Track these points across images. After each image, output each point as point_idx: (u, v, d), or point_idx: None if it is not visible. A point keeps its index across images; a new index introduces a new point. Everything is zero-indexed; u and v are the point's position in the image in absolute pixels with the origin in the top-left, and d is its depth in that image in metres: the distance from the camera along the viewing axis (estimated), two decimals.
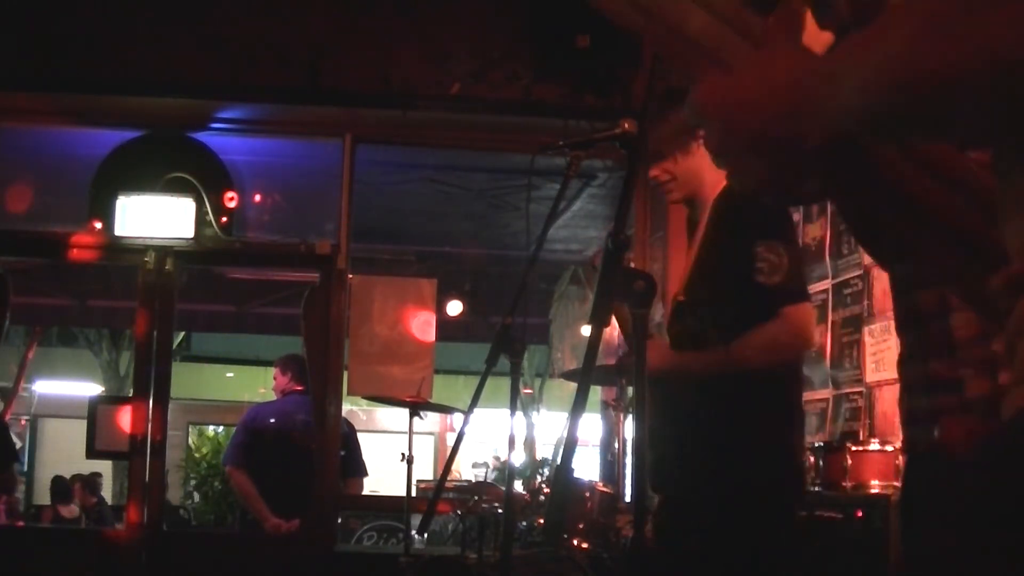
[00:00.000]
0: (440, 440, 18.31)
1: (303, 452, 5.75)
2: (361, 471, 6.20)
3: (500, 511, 4.10)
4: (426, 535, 6.11)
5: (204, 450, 14.17)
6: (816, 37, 1.31)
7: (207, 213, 5.84)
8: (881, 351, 4.36)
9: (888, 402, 4.27)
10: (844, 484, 3.68)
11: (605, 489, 3.93)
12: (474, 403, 2.81)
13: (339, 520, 6.67)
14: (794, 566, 2.82)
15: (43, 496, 11.86)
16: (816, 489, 3.77)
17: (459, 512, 4.68)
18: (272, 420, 5.92)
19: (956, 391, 1.82)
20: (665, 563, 2.86)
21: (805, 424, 2.94)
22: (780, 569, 2.73)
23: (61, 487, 11.00)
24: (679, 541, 2.80)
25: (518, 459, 5.12)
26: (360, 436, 6.39)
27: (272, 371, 6.19)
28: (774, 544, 2.71)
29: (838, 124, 1.01)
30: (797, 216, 3.76)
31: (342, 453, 5.89)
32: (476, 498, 4.44)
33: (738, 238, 2.76)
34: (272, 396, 6.19)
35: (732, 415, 2.74)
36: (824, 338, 4.89)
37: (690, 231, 3.07)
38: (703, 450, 2.76)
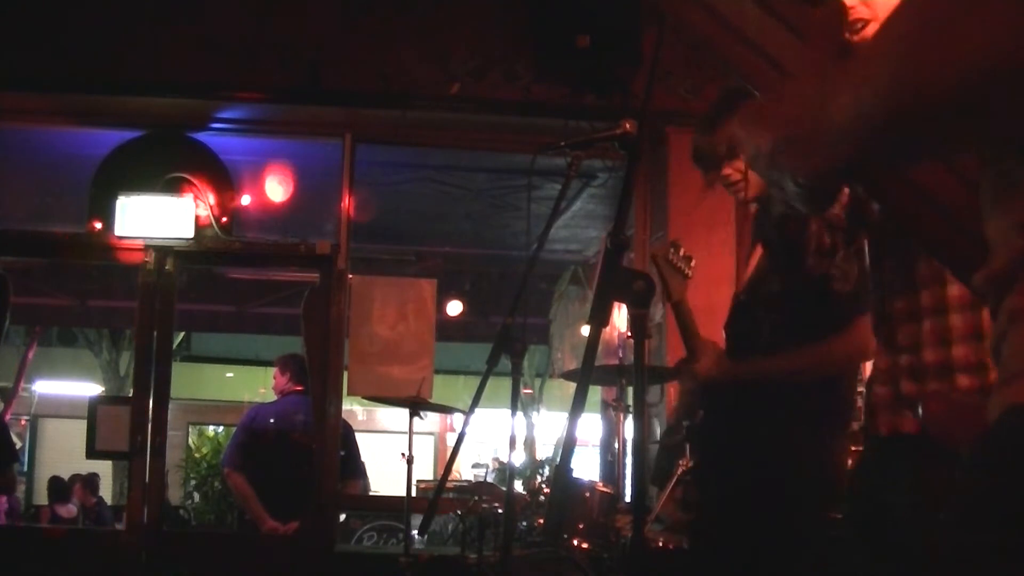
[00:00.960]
0: (440, 440, 18.30)
1: (302, 452, 5.75)
2: (359, 473, 6.20)
3: (500, 511, 4.10)
4: (426, 535, 6.11)
5: (204, 450, 14.17)
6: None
7: (207, 213, 5.84)
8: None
9: None
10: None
11: (605, 489, 3.93)
12: (475, 403, 2.81)
13: (341, 519, 6.68)
14: (821, 566, 2.81)
15: (43, 496, 11.85)
16: None
17: (459, 512, 4.68)
18: (271, 421, 5.92)
19: (947, 380, 1.85)
20: (707, 562, 2.85)
21: (851, 426, 2.91)
22: (813, 571, 2.72)
23: (59, 487, 11.00)
24: (721, 541, 2.79)
25: (518, 459, 5.12)
26: (360, 436, 6.39)
27: (272, 371, 6.19)
28: (810, 547, 2.70)
29: (832, 155, 1.06)
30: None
31: (341, 453, 5.89)
32: (476, 498, 4.44)
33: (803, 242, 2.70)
34: (272, 396, 6.19)
35: (786, 417, 2.71)
36: None
37: (757, 230, 3.03)
38: (752, 452, 2.73)
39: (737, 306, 2.94)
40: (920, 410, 1.94)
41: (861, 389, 4.36)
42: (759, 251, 2.91)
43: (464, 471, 14.77)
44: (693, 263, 2.93)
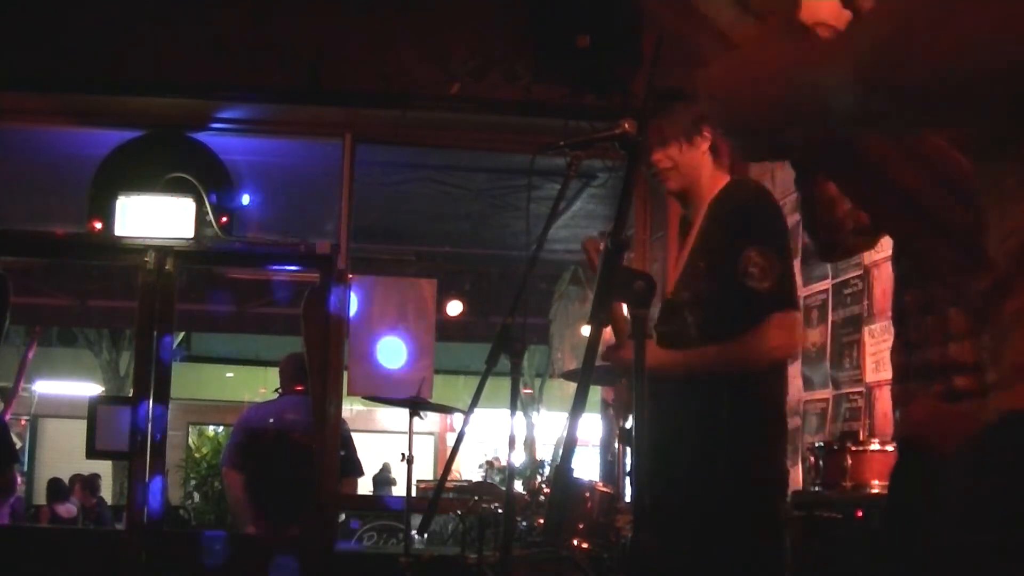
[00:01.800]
0: (440, 440, 18.32)
1: (299, 452, 5.75)
2: (356, 470, 6.20)
3: (500, 511, 4.10)
4: (426, 535, 6.11)
5: (204, 450, 14.19)
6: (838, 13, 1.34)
7: (207, 213, 5.84)
8: (881, 351, 4.36)
9: (888, 402, 4.26)
10: (844, 484, 3.67)
11: (605, 489, 3.93)
12: (474, 403, 2.81)
13: (341, 519, 6.68)
14: (778, 567, 2.83)
15: (43, 496, 11.86)
16: (816, 489, 3.77)
17: (459, 512, 4.68)
18: (266, 420, 5.91)
19: (946, 381, 1.86)
20: (663, 562, 2.85)
21: (787, 424, 2.94)
22: (763, 570, 2.73)
23: (58, 488, 11.00)
24: (665, 543, 2.80)
25: (518, 459, 5.13)
26: (360, 436, 6.40)
27: (271, 371, 6.20)
28: (756, 545, 2.72)
29: (820, 119, 1.05)
30: (793, 219, 3.76)
31: (341, 453, 5.89)
32: (476, 498, 4.44)
33: (731, 241, 2.77)
34: (272, 396, 6.19)
35: (714, 414, 2.75)
36: (824, 338, 4.89)
37: (683, 231, 3.08)
38: (685, 450, 2.76)
39: (664, 306, 2.98)
40: (899, 414, 1.95)
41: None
42: (686, 252, 2.95)
43: (469, 471, 14.80)
44: (628, 252, 2.98)
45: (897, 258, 2.11)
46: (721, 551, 2.68)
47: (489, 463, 13.76)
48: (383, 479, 15.36)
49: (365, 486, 15.21)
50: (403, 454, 4.79)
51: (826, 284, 4.90)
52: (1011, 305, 1.01)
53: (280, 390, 6.01)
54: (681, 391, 2.81)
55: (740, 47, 1.16)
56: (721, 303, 2.79)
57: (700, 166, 2.95)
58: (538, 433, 13.63)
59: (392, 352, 6.05)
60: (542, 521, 4.00)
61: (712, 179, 2.93)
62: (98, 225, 5.81)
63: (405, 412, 4.84)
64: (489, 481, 10.21)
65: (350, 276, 5.94)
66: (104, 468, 12.23)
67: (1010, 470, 0.96)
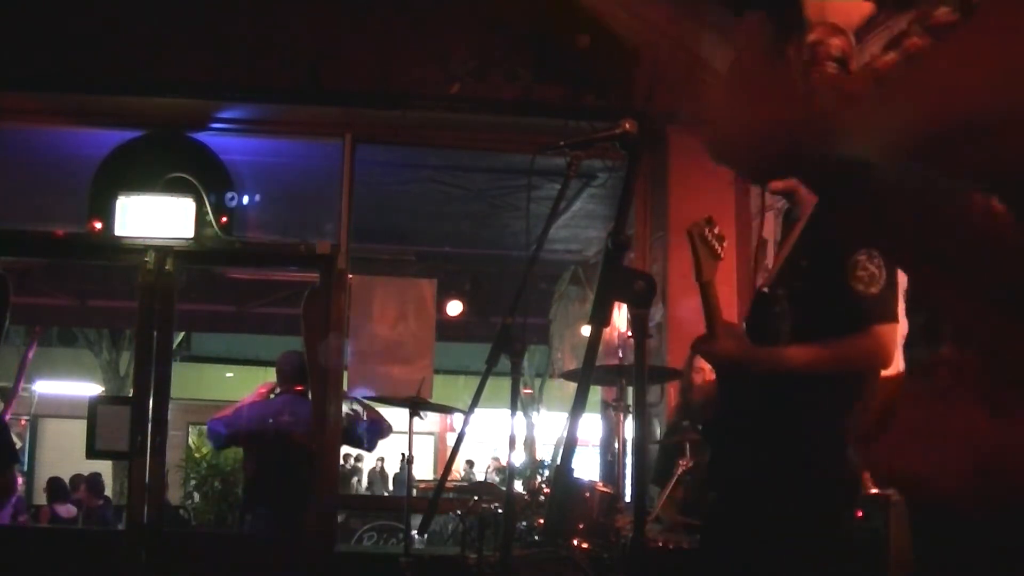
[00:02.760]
0: (440, 440, 18.32)
1: (292, 453, 5.74)
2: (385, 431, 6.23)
3: (500, 511, 4.10)
4: (426, 535, 6.11)
5: (204, 450, 14.15)
6: (846, 12, 1.35)
7: (207, 213, 5.84)
8: None
9: None
10: None
11: (605, 489, 3.93)
12: (474, 403, 2.81)
13: (340, 519, 6.68)
14: (841, 565, 2.80)
15: (43, 496, 11.86)
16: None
17: (459, 512, 4.68)
18: (259, 421, 5.90)
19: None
20: (719, 558, 2.84)
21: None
22: (830, 568, 2.71)
23: (58, 487, 10.99)
24: (734, 537, 2.78)
25: (518, 459, 5.12)
26: None
27: (271, 371, 6.19)
28: (826, 543, 2.69)
29: (832, 167, 1.06)
30: None
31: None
32: (476, 498, 4.44)
33: (839, 243, 2.70)
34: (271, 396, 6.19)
35: (801, 413, 2.70)
36: None
37: (786, 225, 3.02)
38: (762, 445, 2.73)
39: (759, 299, 2.92)
40: None
41: None
42: (787, 247, 2.89)
43: (479, 472, 14.83)
44: (725, 243, 2.90)
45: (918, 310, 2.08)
46: (788, 546, 2.64)
47: (496, 461, 13.80)
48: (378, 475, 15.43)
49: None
50: (403, 454, 4.79)
51: None
52: None
53: (279, 391, 6.00)
54: (769, 386, 2.74)
55: (729, 80, 1.17)
56: (821, 304, 2.71)
57: None
58: (538, 433, 13.61)
59: (392, 352, 6.05)
60: (542, 521, 4.00)
61: None
62: (98, 225, 5.81)
63: (405, 412, 4.84)
64: (490, 481, 10.22)
65: (350, 276, 5.94)
66: (104, 468, 12.22)
67: None
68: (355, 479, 15.95)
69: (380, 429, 6.16)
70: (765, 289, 2.89)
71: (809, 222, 2.84)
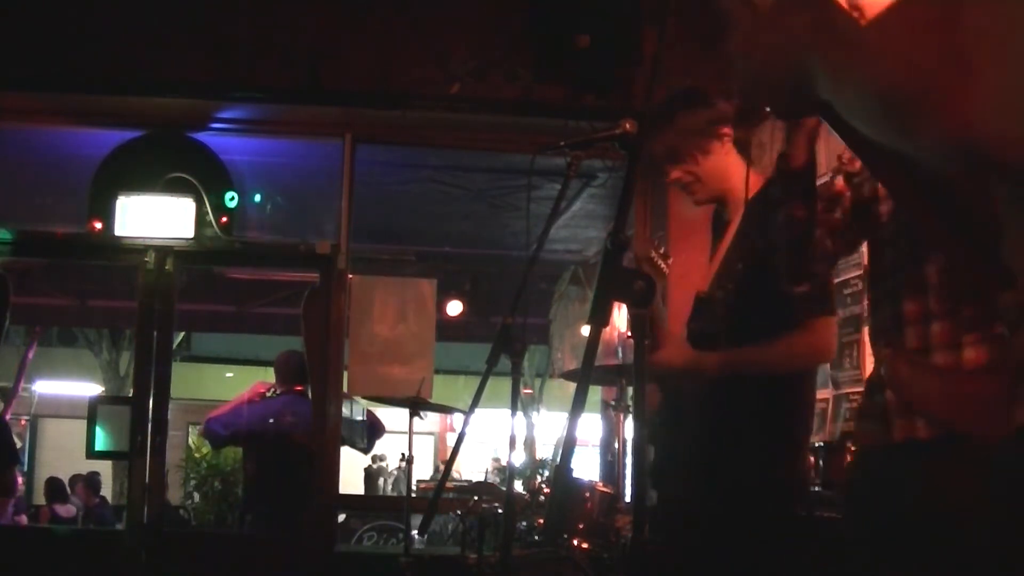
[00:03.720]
0: (440, 440, 18.32)
1: (294, 453, 5.74)
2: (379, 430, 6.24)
3: (500, 511, 4.10)
4: (426, 535, 6.12)
5: (204, 450, 14.14)
6: None
7: (207, 213, 5.84)
8: None
9: None
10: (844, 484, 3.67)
11: (605, 489, 3.93)
12: (475, 403, 2.81)
13: (341, 519, 6.68)
14: (794, 566, 2.82)
15: (43, 496, 11.86)
16: (816, 489, 3.77)
17: (459, 512, 4.68)
18: (260, 422, 5.90)
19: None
20: (663, 562, 2.85)
21: (813, 424, 2.93)
22: (778, 569, 2.73)
23: (57, 488, 10.99)
24: (679, 540, 2.80)
25: (518, 459, 5.13)
26: None
27: (271, 371, 6.19)
28: (774, 544, 2.71)
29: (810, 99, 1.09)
30: None
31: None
32: (476, 498, 4.44)
33: (771, 243, 2.73)
34: (268, 395, 6.18)
35: (741, 412, 2.74)
36: None
37: (718, 228, 3.05)
38: (709, 447, 2.75)
39: (697, 303, 2.97)
40: (885, 369, 1.95)
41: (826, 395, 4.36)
42: (721, 250, 2.93)
43: (474, 472, 14.81)
44: (670, 260, 2.97)
45: (884, 275, 2.10)
46: (739, 551, 2.66)
47: (496, 460, 13.78)
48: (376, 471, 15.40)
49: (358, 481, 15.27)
50: (403, 454, 4.79)
51: None
52: None
53: (277, 391, 6.00)
54: (708, 392, 2.79)
55: (763, 11, 1.19)
56: (757, 304, 2.75)
57: (727, 168, 2.93)
58: (538, 433, 13.62)
59: (392, 352, 6.05)
60: (542, 521, 4.00)
61: (745, 177, 2.92)
62: (98, 225, 5.81)
63: (405, 412, 4.84)
64: (491, 481, 10.22)
65: (350, 276, 5.94)
66: (104, 468, 12.22)
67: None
68: (381, 480, 15.83)
69: (377, 429, 6.17)
70: (703, 293, 2.93)
71: (741, 225, 2.87)
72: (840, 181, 2.19)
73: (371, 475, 15.14)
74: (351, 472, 6.38)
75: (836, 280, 4.83)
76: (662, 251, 2.95)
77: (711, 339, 2.84)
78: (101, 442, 5.87)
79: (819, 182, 2.20)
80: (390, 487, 16.33)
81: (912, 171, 1.26)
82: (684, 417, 2.80)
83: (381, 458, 15.78)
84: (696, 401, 2.80)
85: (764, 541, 2.68)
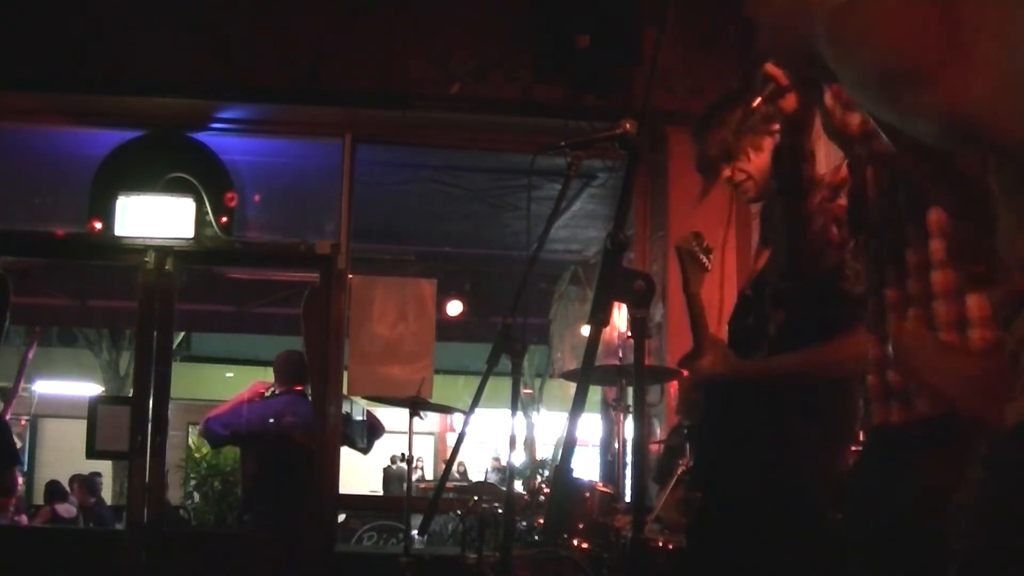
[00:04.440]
0: (440, 440, 18.31)
1: (293, 453, 5.74)
2: (379, 430, 6.24)
3: (500, 511, 4.10)
4: (426, 535, 6.12)
5: (204, 450, 14.14)
6: None
7: (207, 213, 5.84)
8: None
9: None
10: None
11: (605, 489, 3.93)
12: (475, 403, 2.81)
13: (341, 519, 6.67)
14: (822, 568, 2.80)
15: (43, 498, 11.86)
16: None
17: (459, 512, 4.68)
18: (260, 422, 5.89)
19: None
20: (703, 563, 2.84)
21: (856, 430, 2.90)
22: (811, 572, 2.71)
23: (56, 489, 10.99)
24: (718, 541, 2.79)
25: (518, 459, 5.13)
26: None
27: (272, 371, 6.19)
28: (808, 547, 2.69)
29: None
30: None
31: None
32: (476, 498, 4.44)
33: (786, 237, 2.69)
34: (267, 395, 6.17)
35: (785, 418, 2.70)
36: None
37: (765, 227, 3.01)
38: (755, 454, 2.72)
39: (743, 302, 2.93)
40: (891, 342, 1.95)
41: None
42: (769, 248, 2.90)
43: (476, 472, 14.79)
44: (712, 255, 2.93)
45: (874, 256, 2.11)
46: (772, 550, 2.65)
47: (496, 460, 13.76)
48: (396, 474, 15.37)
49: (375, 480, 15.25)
50: (403, 454, 4.79)
51: None
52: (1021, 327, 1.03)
53: (277, 391, 6.00)
54: (753, 395, 2.75)
55: None
56: (807, 304, 2.69)
57: None
58: (538, 433, 13.61)
59: (392, 352, 6.05)
60: (542, 521, 4.00)
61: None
62: (98, 225, 5.81)
63: (405, 412, 4.84)
64: (490, 481, 10.21)
65: (350, 276, 5.94)
66: (104, 468, 12.22)
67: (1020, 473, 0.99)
68: (417, 475, 15.74)
69: (376, 429, 6.17)
70: (748, 292, 2.91)
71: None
72: (845, 168, 2.19)
73: (390, 476, 15.11)
74: (369, 472, 6.37)
75: None
76: (704, 244, 2.91)
77: (756, 338, 2.79)
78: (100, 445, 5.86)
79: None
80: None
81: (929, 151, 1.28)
82: (728, 422, 2.78)
83: (401, 458, 15.76)
84: (738, 407, 2.77)
85: (804, 545, 2.66)
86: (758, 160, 2.86)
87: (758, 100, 2.11)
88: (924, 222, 1.90)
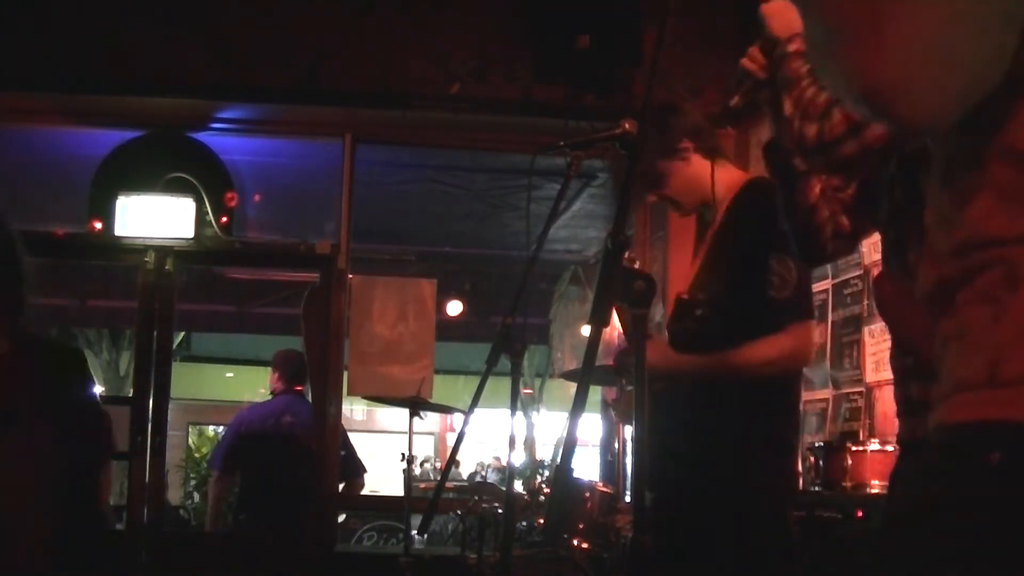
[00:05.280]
0: (440, 440, 18.31)
1: (293, 453, 5.74)
2: (360, 470, 6.20)
3: (500, 511, 4.10)
4: (426, 535, 6.12)
5: (204, 450, 14.17)
6: None
7: (207, 213, 5.84)
8: (881, 351, 4.36)
9: (888, 402, 4.26)
10: (844, 484, 3.67)
11: (605, 489, 3.92)
12: (474, 403, 2.81)
13: (341, 519, 6.67)
14: (786, 565, 2.83)
15: None
16: (816, 489, 3.77)
17: (459, 512, 4.68)
18: (259, 422, 5.90)
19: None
20: (656, 562, 2.85)
21: (801, 425, 2.96)
22: (771, 568, 2.73)
23: None
24: (670, 540, 2.80)
25: (518, 459, 5.13)
26: (360, 436, 6.39)
27: (270, 371, 6.19)
28: (764, 543, 2.72)
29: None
30: None
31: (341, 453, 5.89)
32: (476, 498, 4.44)
33: (752, 248, 2.76)
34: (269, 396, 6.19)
35: (728, 414, 2.76)
36: (824, 338, 4.89)
37: (701, 229, 3.06)
38: (697, 449, 2.77)
39: (679, 306, 2.97)
40: (873, 294, 1.95)
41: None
42: (703, 252, 2.94)
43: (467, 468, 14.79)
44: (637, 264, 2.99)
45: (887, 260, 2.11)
46: (725, 556, 2.67)
47: (496, 460, 13.74)
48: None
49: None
50: (403, 454, 4.79)
51: (826, 284, 4.90)
52: (944, 327, 1.04)
53: (279, 390, 6.00)
54: (692, 394, 2.81)
55: None
56: (738, 308, 2.78)
57: (699, 176, 2.95)
58: (538, 433, 13.62)
59: (392, 352, 6.05)
60: (542, 521, 4.00)
61: (722, 180, 2.92)
62: (98, 225, 5.81)
63: (405, 412, 4.84)
64: (481, 479, 10.21)
65: (350, 276, 5.94)
66: None
67: (936, 478, 1.01)
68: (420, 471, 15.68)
69: (356, 468, 6.13)
70: (684, 295, 2.94)
71: (722, 228, 2.89)
72: None
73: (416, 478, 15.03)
74: (369, 472, 6.35)
75: (836, 280, 4.84)
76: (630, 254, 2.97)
77: (692, 340, 2.85)
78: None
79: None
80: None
81: None
82: (666, 419, 2.80)
83: (402, 458, 15.67)
84: (675, 403, 2.80)
85: (755, 544, 2.68)
86: (675, 182, 2.94)
87: (735, 99, 2.13)
88: (921, 221, 1.90)
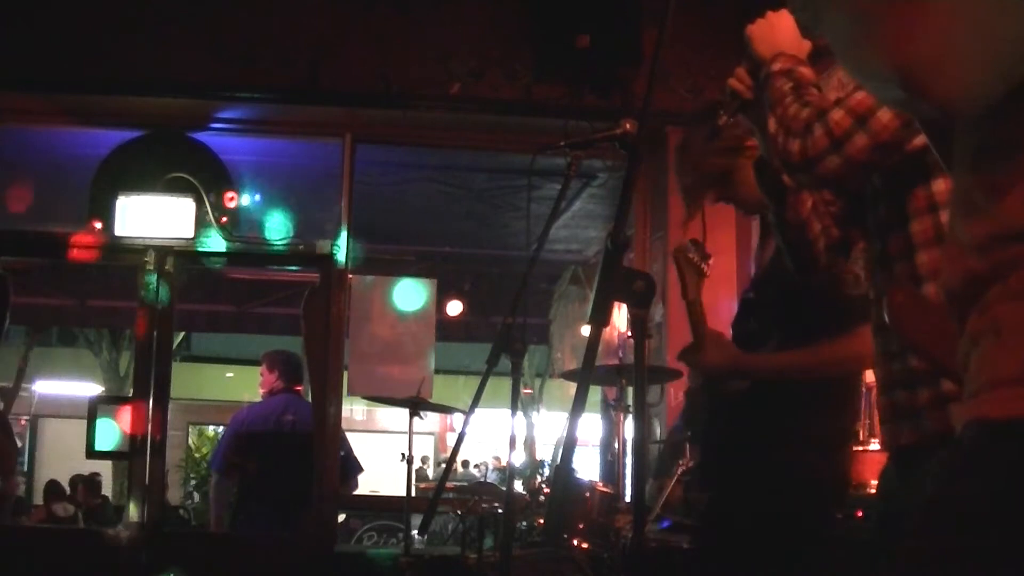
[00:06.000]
0: (440, 440, 18.32)
1: (294, 452, 5.74)
2: (356, 470, 6.19)
3: (500, 511, 4.10)
4: (426, 535, 6.12)
5: (204, 450, 14.20)
6: None
7: (207, 213, 5.84)
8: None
9: None
10: None
11: (605, 489, 3.93)
12: (475, 403, 2.81)
13: (341, 519, 6.67)
14: (830, 567, 2.80)
15: (42, 498, 11.88)
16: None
17: (459, 512, 4.68)
18: (259, 422, 5.89)
19: (934, 386, 1.85)
20: (707, 559, 2.85)
21: (856, 428, 2.90)
22: (816, 569, 2.72)
23: (55, 488, 11.00)
24: (723, 537, 2.79)
25: (518, 459, 5.13)
26: (361, 436, 6.39)
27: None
28: (813, 544, 2.70)
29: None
30: None
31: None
32: (476, 498, 4.44)
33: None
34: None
35: (783, 414, 2.72)
36: None
37: (765, 227, 3.02)
38: (751, 449, 2.73)
39: (745, 304, 2.94)
40: (885, 304, 1.95)
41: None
42: (770, 250, 2.90)
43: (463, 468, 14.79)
44: (711, 260, 2.92)
45: (873, 272, 2.11)
46: (775, 548, 2.65)
47: (496, 460, 13.74)
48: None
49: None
50: (403, 454, 4.79)
51: None
52: (972, 324, 1.03)
53: (278, 389, 5.99)
54: (754, 393, 2.76)
55: None
56: (808, 306, 2.71)
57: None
58: (538, 433, 13.63)
59: (392, 352, 6.05)
60: (542, 521, 4.00)
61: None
62: (98, 225, 5.81)
63: (405, 412, 4.84)
64: (479, 477, 10.21)
65: (350, 276, 5.94)
66: (104, 468, 12.22)
67: (969, 477, 1.00)
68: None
69: (352, 467, 6.13)
70: (751, 294, 2.91)
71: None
72: None
73: (420, 476, 15.09)
74: (369, 472, 6.34)
75: None
76: (702, 251, 2.92)
77: (760, 340, 2.80)
78: (103, 441, 5.88)
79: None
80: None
81: None
82: (728, 417, 2.78)
83: (402, 458, 15.71)
84: (739, 402, 2.78)
85: (803, 542, 2.67)
86: (737, 180, 2.82)
87: (723, 118, 2.13)
88: (908, 233, 1.90)
